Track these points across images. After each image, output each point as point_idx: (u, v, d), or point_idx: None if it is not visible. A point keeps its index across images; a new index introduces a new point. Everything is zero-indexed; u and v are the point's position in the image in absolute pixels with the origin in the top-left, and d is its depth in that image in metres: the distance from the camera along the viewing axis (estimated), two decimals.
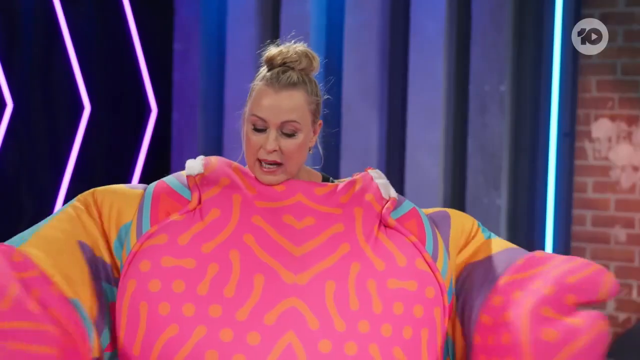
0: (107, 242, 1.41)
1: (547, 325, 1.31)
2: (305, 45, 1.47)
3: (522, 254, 1.45)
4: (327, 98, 1.52)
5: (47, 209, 3.43)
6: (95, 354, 1.32)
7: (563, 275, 1.34)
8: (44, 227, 1.38)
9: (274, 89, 1.42)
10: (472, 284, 1.45)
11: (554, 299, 1.32)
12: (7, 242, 1.35)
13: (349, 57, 3.58)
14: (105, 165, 3.72)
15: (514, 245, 1.50)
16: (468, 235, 1.51)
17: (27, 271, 1.28)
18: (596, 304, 1.32)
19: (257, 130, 1.43)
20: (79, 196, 1.46)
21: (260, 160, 1.42)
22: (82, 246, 1.38)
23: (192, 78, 3.87)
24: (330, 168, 3.63)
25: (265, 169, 1.42)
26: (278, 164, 1.42)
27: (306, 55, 1.45)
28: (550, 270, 1.37)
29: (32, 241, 1.34)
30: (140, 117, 3.88)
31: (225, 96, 3.81)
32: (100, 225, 1.42)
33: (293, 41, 1.47)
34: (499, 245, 1.49)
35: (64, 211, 1.42)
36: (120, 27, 3.74)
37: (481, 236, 1.51)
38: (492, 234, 1.53)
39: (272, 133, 1.41)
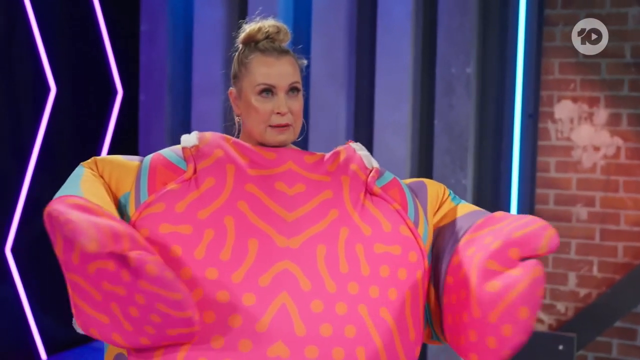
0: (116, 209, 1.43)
1: (492, 277, 1.35)
2: (274, 18, 1.56)
3: (484, 215, 1.51)
4: (306, 65, 1.60)
5: (13, 191, 3.39)
6: None
7: (511, 231, 1.39)
8: (84, 187, 1.38)
9: (274, 56, 1.51)
10: (439, 248, 1.52)
11: (499, 253, 1.37)
12: (59, 195, 1.33)
13: (316, 39, 3.59)
14: (71, 147, 3.68)
15: (479, 208, 1.56)
16: (437, 201, 1.58)
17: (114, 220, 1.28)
18: (538, 257, 1.36)
19: (264, 97, 1.50)
20: (84, 164, 1.49)
21: (271, 126, 1.51)
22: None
23: (159, 59, 3.85)
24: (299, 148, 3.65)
25: (277, 129, 1.51)
26: (288, 125, 1.52)
27: (281, 26, 1.55)
28: (503, 227, 1.42)
29: (87, 196, 1.34)
30: (106, 99, 3.85)
31: (192, 77, 3.81)
32: (111, 192, 1.45)
33: (259, 18, 1.56)
34: (465, 209, 1.55)
35: (86, 174, 1.43)
36: (86, 8, 3.70)
37: (450, 202, 1.58)
38: (462, 200, 1.60)
39: (282, 97, 1.51)
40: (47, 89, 3.50)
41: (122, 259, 1.22)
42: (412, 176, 3.53)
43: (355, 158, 1.53)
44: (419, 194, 1.56)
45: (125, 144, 3.91)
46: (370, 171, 1.52)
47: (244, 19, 3.84)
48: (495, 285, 1.34)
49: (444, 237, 1.52)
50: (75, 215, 1.18)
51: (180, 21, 3.89)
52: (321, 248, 1.39)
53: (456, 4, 3.42)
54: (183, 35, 3.89)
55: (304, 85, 3.85)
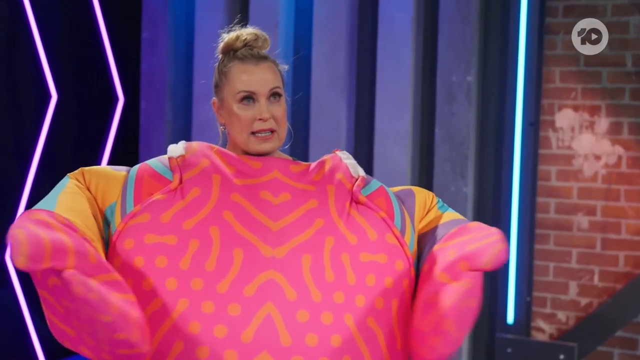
0: (101, 219, 1.44)
1: (437, 289, 1.37)
2: (253, 27, 1.57)
3: (460, 224, 1.50)
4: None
5: (13, 198, 3.39)
6: None
7: (466, 243, 1.40)
8: (61, 199, 1.39)
9: (252, 63, 1.51)
10: (419, 254, 1.51)
11: (452, 266, 1.37)
12: (33, 208, 1.34)
13: (317, 47, 3.60)
14: (72, 154, 3.69)
15: (461, 217, 1.56)
16: (424, 209, 1.58)
17: (76, 232, 1.29)
18: (484, 271, 1.36)
19: (245, 105, 1.50)
20: (71, 175, 1.49)
21: (253, 133, 1.49)
22: (95, 219, 1.41)
23: (160, 67, 3.86)
24: (299, 156, 3.65)
25: (261, 137, 1.50)
26: (272, 131, 1.50)
27: (260, 33, 1.55)
28: (468, 240, 1.42)
29: (59, 209, 1.35)
30: (107, 105, 3.86)
31: (193, 85, 3.81)
32: (96, 203, 1.45)
33: (238, 27, 1.57)
34: (448, 217, 1.55)
35: (68, 187, 1.44)
36: (87, 15, 3.72)
37: (436, 210, 1.58)
38: (449, 209, 1.59)
39: (263, 102, 1.50)
40: (48, 96, 3.51)
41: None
42: (412, 184, 3.52)
43: (341, 167, 1.52)
44: (406, 201, 1.56)
45: (126, 151, 3.91)
46: (356, 180, 1.51)
47: (245, 27, 3.83)
48: (435, 297, 1.36)
49: (422, 245, 1.52)
50: (21, 231, 1.18)
51: (182, 28, 3.90)
52: (306, 257, 1.38)
53: (458, 11, 3.43)
54: (184, 43, 3.89)
55: (305, 93, 3.86)
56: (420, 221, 1.56)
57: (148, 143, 3.91)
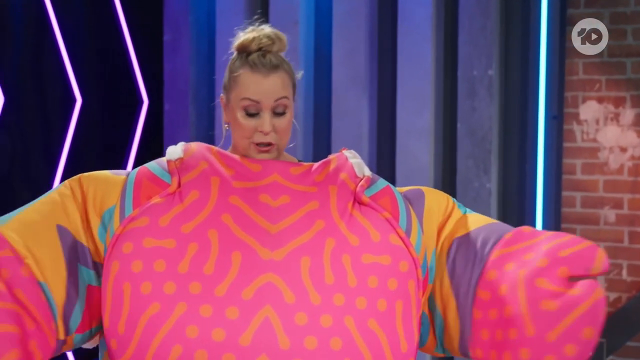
0: (89, 227, 1.45)
1: (545, 296, 1.36)
2: (269, 25, 1.52)
3: (509, 229, 1.49)
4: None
5: None
6: (61, 336, 1.38)
7: (555, 249, 1.39)
8: (25, 211, 1.44)
9: (262, 73, 1.47)
10: (460, 260, 1.48)
11: (549, 271, 1.37)
12: None
13: (338, 45, 3.59)
14: (97, 157, 3.73)
15: (494, 220, 1.54)
16: (445, 212, 1.55)
17: (1, 250, 1.33)
18: (588, 278, 1.37)
19: (249, 114, 1.48)
20: (66, 181, 1.51)
21: (254, 144, 1.48)
22: (60, 230, 1.42)
23: (183, 68, 3.88)
24: (321, 155, 3.65)
25: (261, 149, 1.48)
26: (271, 145, 1.49)
27: (277, 37, 1.50)
28: (540, 243, 1.41)
29: (10, 224, 1.40)
30: (131, 108, 3.90)
31: (215, 86, 3.83)
32: (83, 211, 1.46)
33: (257, 23, 1.53)
34: (477, 220, 1.53)
35: (49, 196, 1.47)
36: (110, 18, 3.75)
37: (458, 212, 1.55)
38: (468, 210, 1.57)
39: (267, 115, 1.47)
40: (73, 100, 3.55)
41: None
42: (436, 181, 3.51)
43: (345, 166, 1.50)
44: (415, 202, 1.53)
45: (150, 153, 3.95)
46: (361, 180, 1.49)
47: (262, 25, 3.82)
48: (552, 304, 1.36)
49: (464, 250, 1.48)
50: None
51: (203, 30, 3.92)
52: (305, 260, 1.37)
53: (477, 5, 3.40)
54: (206, 44, 3.92)
55: (326, 92, 3.84)
56: (445, 224, 1.53)
57: (172, 145, 3.94)
